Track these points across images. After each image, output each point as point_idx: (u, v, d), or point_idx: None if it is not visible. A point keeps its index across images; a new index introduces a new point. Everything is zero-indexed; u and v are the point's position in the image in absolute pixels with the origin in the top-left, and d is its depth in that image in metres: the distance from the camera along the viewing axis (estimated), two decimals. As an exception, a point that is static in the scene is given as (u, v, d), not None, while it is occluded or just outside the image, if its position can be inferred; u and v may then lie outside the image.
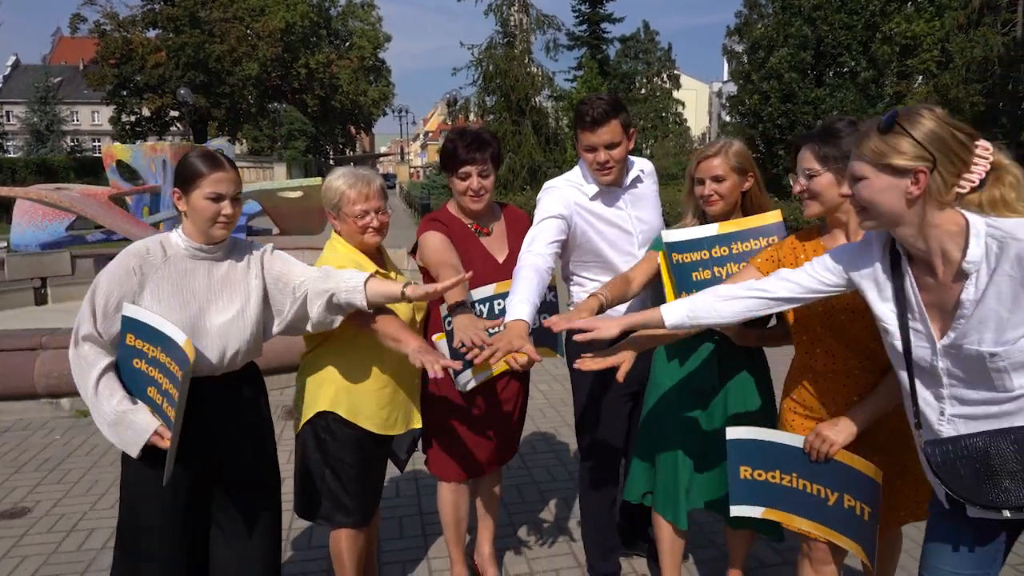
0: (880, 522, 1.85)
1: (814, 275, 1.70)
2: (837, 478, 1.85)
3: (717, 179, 2.20)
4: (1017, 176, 1.48)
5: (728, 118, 30.55)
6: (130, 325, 1.83)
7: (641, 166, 2.63)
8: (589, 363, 1.97)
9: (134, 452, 1.82)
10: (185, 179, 1.89)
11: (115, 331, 1.86)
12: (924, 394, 1.55)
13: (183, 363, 1.74)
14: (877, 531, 1.79)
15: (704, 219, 2.31)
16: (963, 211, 1.45)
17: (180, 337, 1.76)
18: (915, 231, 1.46)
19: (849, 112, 21.87)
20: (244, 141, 40.52)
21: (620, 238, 2.53)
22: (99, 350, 1.85)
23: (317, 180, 8.23)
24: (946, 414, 1.52)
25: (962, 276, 1.44)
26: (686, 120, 37.93)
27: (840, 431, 1.82)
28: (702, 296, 1.81)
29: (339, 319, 2.04)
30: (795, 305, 1.78)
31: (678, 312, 1.80)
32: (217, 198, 1.87)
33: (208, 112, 38.04)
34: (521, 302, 2.12)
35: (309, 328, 2.06)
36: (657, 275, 2.32)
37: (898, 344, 1.55)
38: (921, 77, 21.93)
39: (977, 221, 1.43)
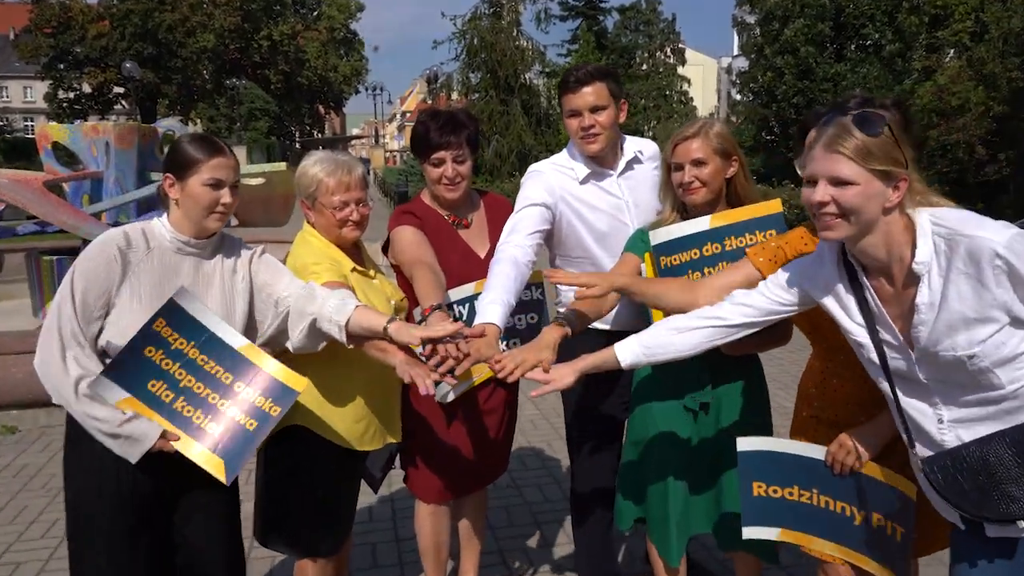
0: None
1: (770, 296, 1.77)
2: (864, 494, 1.84)
3: (697, 163, 2.17)
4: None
5: (738, 96, 30.65)
6: (169, 312, 1.85)
7: (639, 147, 2.62)
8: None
9: (134, 459, 1.84)
10: (181, 164, 1.92)
11: (95, 331, 1.86)
12: (917, 405, 1.61)
13: (284, 399, 1.89)
14: (909, 555, 1.79)
15: (684, 212, 2.28)
16: (908, 210, 1.52)
17: (239, 341, 1.89)
18: (881, 240, 1.53)
19: (873, 90, 21.99)
20: (198, 121, 40.25)
21: (614, 230, 2.52)
22: (83, 355, 1.83)
23: (281, 165, 8.15)
24: (944, 421, 1.57)
25: (915, 279, 1.51)
26: (692, 99, 37.99)
27: (867, 441, 1.81)
28: (655, 330, 1.88)
29: (324, 344, 2.04)
30: (754, 330, 1.83)
31: (632, 350, 1.87)
32: (216, 185, 1.91)
33: (157, 88, 37.77)
34: (493, 303, 2.11)
35: (290, 348, 2.05)
36: None
37: (874, 357, 1.62)
38: (953, 50, 22.04)
39: (923, 219, 1.51)
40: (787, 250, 1.95)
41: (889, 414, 1.80)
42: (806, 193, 1.57)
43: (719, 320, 1.81)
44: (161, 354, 1.85)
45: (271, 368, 1.91)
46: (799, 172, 1.96)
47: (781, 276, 1.78)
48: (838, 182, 1.50)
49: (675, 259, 2.18)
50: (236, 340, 1.90)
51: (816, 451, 1.90)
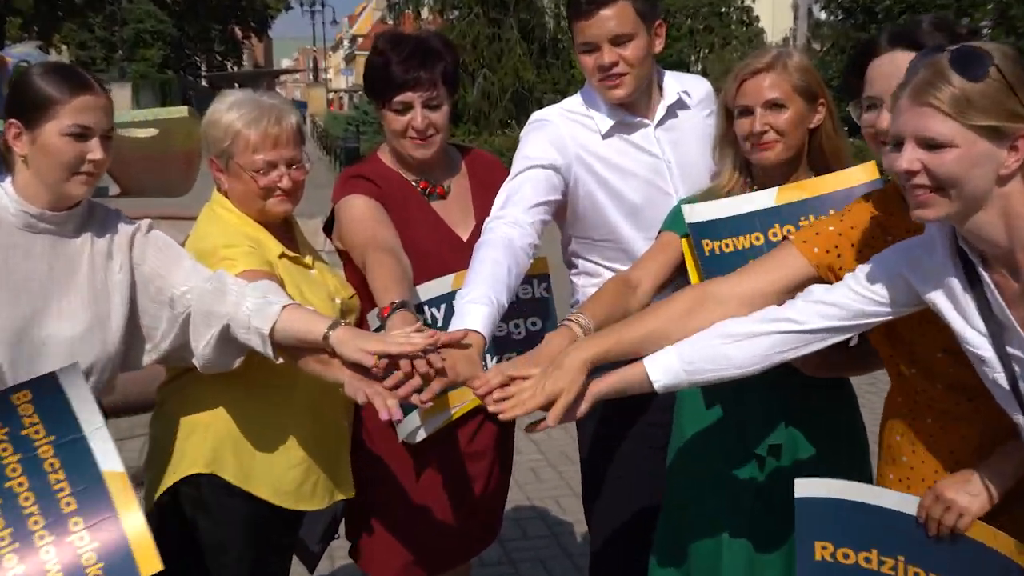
0: None
1: (862, 292, 1.78)
2: (967, 565, 1.85)
3: (773, 106, 2.18)
4: None
5: (823, 15, 30.77)
6: (42, 387, 1.85)
7: (685, 86, 2.65)
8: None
9: None
10: (30, 106, 1.91)
11: None
12: None
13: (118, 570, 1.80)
14: None
15: (751, 176, 2.29)
16: None
17: (110, 463, 1.82)
18: (997, 218, 1.56)
19: (1013, 5, 22.04)
20: (65, 48, 40.18)
21: (650, 201, 2.54)
22: None
23: (182, 110, 8.16)
24: None
25: None
26: (758, 18, 38.18)
27: (973, 494, 1.82)
28: (701, 338, 1.87)
29: (240, 359, 2.05)
30: (838, 339, 1.84)
31: (669, 366, 1.85)
32: (81, 135, 1.91)
33: (6, 3, 37.67)
34: (475, 302, 2.12)
35: (196, 365, 2.06)
36: (680, 271, 2.31)
37: (1001, 379, 1.63)
38: None
39: None
40: (852, 237, 1.93)
41: (1006, 453, 1.82)
42: (890, 158, 1.59)
43: (790, 324, 1.81)
44: (4, 433, 1.84)
45: (129, 524, 1.84)
46: (856, 121, 1.97)
47: (876, 265, 1.78)
48: (930, 144, 1.52)
49: (726, 244, 2.19)
50: (108, 460, 1.85)
51: (904, 502, 1.91)
